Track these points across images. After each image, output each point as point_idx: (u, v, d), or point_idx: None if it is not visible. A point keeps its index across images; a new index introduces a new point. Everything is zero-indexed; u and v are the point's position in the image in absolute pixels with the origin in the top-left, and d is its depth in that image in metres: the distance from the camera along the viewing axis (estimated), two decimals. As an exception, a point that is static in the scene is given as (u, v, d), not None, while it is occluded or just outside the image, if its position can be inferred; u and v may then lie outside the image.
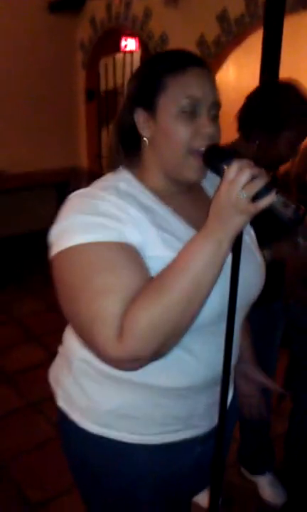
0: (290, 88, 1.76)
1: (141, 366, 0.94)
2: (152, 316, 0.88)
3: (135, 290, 0.91)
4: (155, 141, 1.06)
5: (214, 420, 1.23)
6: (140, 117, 1.06)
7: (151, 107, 1.04)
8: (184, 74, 1.01)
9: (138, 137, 1.09)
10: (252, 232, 1.27)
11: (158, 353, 0.93)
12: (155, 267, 0.97)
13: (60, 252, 0.97)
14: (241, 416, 2.24)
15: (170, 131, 1.02)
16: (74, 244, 0.96)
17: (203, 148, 1.01)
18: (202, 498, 1.86)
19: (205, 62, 1.08)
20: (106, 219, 0.97)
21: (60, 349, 1.29)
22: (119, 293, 0.91)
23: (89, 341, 0.95)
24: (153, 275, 0.97)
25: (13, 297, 4.45)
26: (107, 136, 5.63)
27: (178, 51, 1.09)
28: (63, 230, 0.99)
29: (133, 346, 0.89)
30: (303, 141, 1.83)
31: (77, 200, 1.03)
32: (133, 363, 0.93)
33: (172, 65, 1.03)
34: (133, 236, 0.98)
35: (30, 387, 3.08)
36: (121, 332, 0.89)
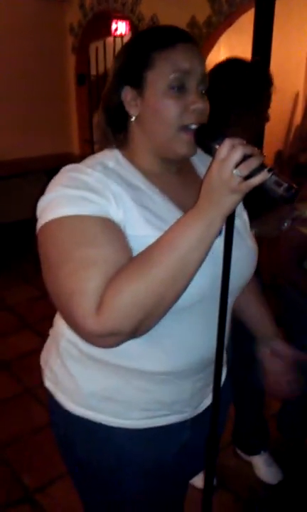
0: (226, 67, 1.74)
1: (118, 343, 0.93)
2: (135, 290, 0.87)
3: (116, 265, 0.90)
4: (144, 119, 1.05)
5: (202, 406, 1.23)
6: (127, 95, 1.05)
7: (138, 85, 1.03)
8: (172, 49, 1.00)
9: (126, 116, 1.07)
10: (245, 217, 1.25)
11: (137, 330, 0.91)
12: (135, 245, 0.97)
13: (44, 225, 0.97)
14: (236, 396, 2.26)
15: (159, 107, 1.01)
16: (57, 216, 0.95)
17: (194, 125, 1.00)
18: (197, 479, 1.87)
19: (193, 37, 1.06)
20: (90, 193, 0.97)
21: (51, 331, 1.29)
22: (99, 266, 0.90)
23: (68, 314, 0.93)
24: (134, 254, 0.96)
25: (5, 285, 4.44)
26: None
27: (165, 27, 1.07)
28: (48, 203, 0.99)
29: (111, 320, 0.87)
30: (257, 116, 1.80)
31: (64, 174, 1.03)
32: (111, 338, 0.91)
33: (159, 41, 1.02)
34: (115, 213, 0.98)
35: (25, 373, 3.08)
36: (100, 305, 0.87)
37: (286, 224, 1.54)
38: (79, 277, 0.90)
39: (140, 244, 0.95)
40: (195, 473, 1.49)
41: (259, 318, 1.38)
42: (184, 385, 1.14)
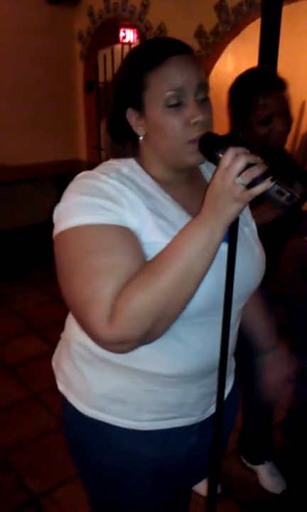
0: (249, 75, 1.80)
1: (130, 349, 0.95)
2: (143, 298, 0.89)
3: (130, 273, 0.92)
4: (151, 137, 1.06)
5: (209, 411, 1.24)
6: (131, 117, 1.07)
7: (139, 106, 1.05)
8: (163, 67, 1.00)
9: (133, 134, 1.09)
10: (253, 225, 1.26)
11: (147, 336, 0.94)
12: (149, 252, 0.98)
13: (60, 233, 0.99)
14: (245, 406, 2.25)
15: (162, 126, 1.02)
16: (73, 225, 0.97)
17: (197, 137, 1.01)
18: (201, 487, 1.88)
19: (185, 46, 1.06)
20: (106, 201, 0.98)
21: (62, 334, 1.31)
22: (113, 274, 0.92)
23: (82, 321, 0.95)
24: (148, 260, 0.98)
25: (13, 290, 4.47)
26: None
27: (155, 42, 1.08)
28: (64, 211, 1.00)
29: (123, 327, 0.90)
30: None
31: (79, 181, 1.04)
32: (122, 344, 0.93)
33: (149, 60, 1.02)
34: (130, 220, 0.99)
35: (31, 378, 3.10)
36: (112, 313, 0.90)
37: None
38: (94, 285, 0.92)
39: (154, 251, 0.96)
40: (200, 479, 1.51)
41: (260, 330, 1.40)
42: (189, 389, 1.16)
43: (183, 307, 0.94)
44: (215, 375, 1.14)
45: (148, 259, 0.98)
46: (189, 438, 1.24)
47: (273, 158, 1.85)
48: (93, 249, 0.95)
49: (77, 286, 0.95)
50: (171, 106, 1.00)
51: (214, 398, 1.20)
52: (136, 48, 1.10)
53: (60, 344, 1.32)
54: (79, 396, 1.21)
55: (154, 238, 1.00)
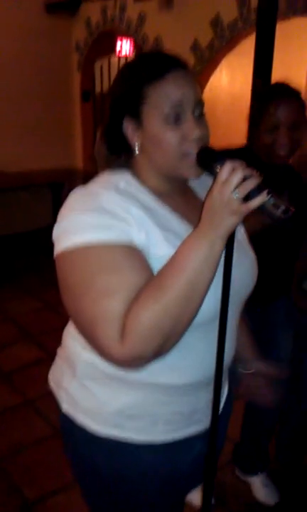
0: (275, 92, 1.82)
1: (143, 365, 0.96)
2: (152, 315, 0.89)
3: (138, 290, 0.92)
4: (147, 148, 1.06)
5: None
6: (128, 128, 1.07)
7: (136, 117, 1.05)
8: (162, 81, 1.01)
9: (128, 145, 1.09)
10: (243, 230, 1.28)
11: (160, 351, 0.94)
12: (158, 266, 0.97)
13: (63, 252, 0.98)
14: (246, 418, 2.27)
15: (159, 138, 1.02)
16: (76, 244, 0.96)
17: (194, 152, 1.02)
18: (195, 498, 1.88)
19: (183, 62, 1.06)
20: (110, 219, 0.97)
21: (60, 351, 1.29)
22: (121, 293, 0.92)
23: (92, 342, 0.95)
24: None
25: (8, 296, 4.46)
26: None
27: (154, 56, 1.08)
28: (65, 229, 0.99)
29: (135, 346, 0.90)
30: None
31: (79, 198, 1.03)
32: (136, 362, 0.94)
33: (149, 73, 1.02)
34: (136, 236, 0.99)
35: (26, 385, 3.10)
36: (123, 332, 0.90)
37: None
38: (102, 305, 0.92)
39: (162, 264, 0.96)
40: (196, 484, 1.51)
41: (241, 342, 1.40)
42: (200, 395, 1.16)
43: (192, 319, 0.95)
44: (224, 378, 1.15)
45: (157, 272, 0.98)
46: (196, 445, 1.22)
47: (278, 171, 1.87)
48: (99, 269, 0.94)
49: (85, 306, 0.94)
50: (169, 120, 1.01)
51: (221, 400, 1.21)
52: (134, 60, 1.10)
53: (59, 362, 1.29)
54: (90, 415, 1.17)
55: (163, 251, 1.00)
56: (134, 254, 0.98)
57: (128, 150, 1.10)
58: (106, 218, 0.97)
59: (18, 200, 5.43)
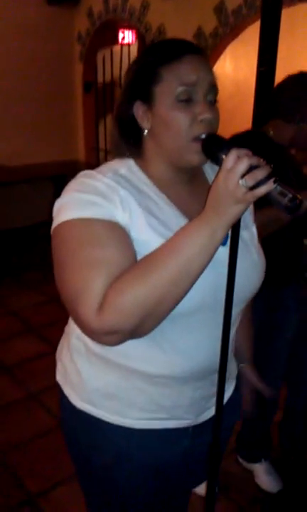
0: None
1: (118, 341, 0.96)
2: (136, 292, 0.90)
3: (120, 266, 0.94)
4: (156, 131, 1.07)
5: (205, 415, 1.24)
6: (139, 110, 1.08)
7: (148, 99, 1.06)
8: (178, 63, 1.03)
9: (138, 129, 1.10)
10: (254, 229, 1.26)
11: (136, 330, 0.95)
12: (139, 249, 1.00)
13: (56, 227, 1.02)
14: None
15: (169, 120, 1.03)
16: (67, 219, 1.00)
17: (204, 135, 1.02)
18: (199, 486, 1.88)
19: (201, 49, 1.08)
20: (98, 197, 1.01)
21: (65, 328, 1.33)
22: (104, 267, 0.94)
23: (73, 311, 0.97)
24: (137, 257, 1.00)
25: (10, 290, 4.47)
26: (105, 129, 5.62)
27: (172, 40, 1.10)
28: (61, 206, 1.03)
29: (112, 319, 0.91)
30: None
31: (77, 180, 1.07)
32: (112, 336, 0.94)
33: (166, 55, 1.04)
34: (120, 216, 1.01)
35: (29, 378, 3.09)
36: (102, 304, 0.91)
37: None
38: (84, 276, 0.94)
39: (142, 248, 0.99)
40: (198, 483, 1.51)
41: (241, 340, 1.41)
42: (183, 391, 1.16)
43: (175, 303, 0.95)
44: (213, 379, 1.14)
45: (138, 256, 1.00)
46: (182, 441, 1.23)
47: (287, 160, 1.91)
48: (84, 242, 0.97)
49: (68, 277, 0.97)
50: (181, 101, 1.02)
51: (211, 402, 1.20)
52: (153, 43, 1.12)
53: (63, 337, 1.34)
54: (73, 388, 1.24)
55: (144, 236, 1.02)
56: (118, 232, 1.00)
57: (139, 135, 1.11)
58: (94, 197, 1.01)
59: (19, 193, 5.42)
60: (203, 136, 1.02)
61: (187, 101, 1.02)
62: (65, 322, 1.30)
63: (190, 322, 1.07)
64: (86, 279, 0.94)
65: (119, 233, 1.00)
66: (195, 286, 0.95)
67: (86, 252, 0.96)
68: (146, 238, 1.01)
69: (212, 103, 1.05)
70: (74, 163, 5.88)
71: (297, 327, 2.12)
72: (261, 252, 1.22)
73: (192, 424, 1.23)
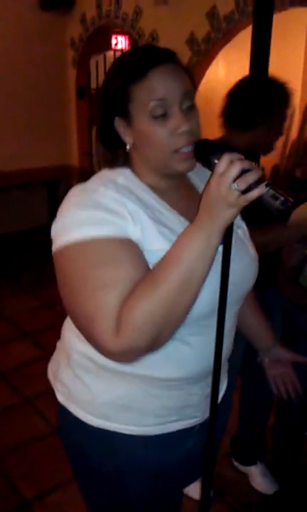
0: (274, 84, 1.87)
1: (137, 358, 0.96)
2: (146, 307, 0.90)
3: (134, 283, 0.93)
4: (138, 146, 1.07)
5: (208, 412, 1.24)
6: (119, 126, 1.08)
7: (126, 116, 1.06)
8: (145, 79, 1.01)
9: (122, 143, 1.10)
10: (244, 226, 1.28)
11: (154, 344, 0.94)
12: (153, 260, 0.99)
13: (60, 248, 0.99)
14: (242, 405, 2.31)
15: (148, 135, 1.03)
16: (74, 239, 0.97)
17: (185, 148, 1.02)
18: (193, 490, 1.88)
19: (168, 54, 1.06)
20: (106, 214, 0.98)
21: (59, 343, 1.30)
22: (117, 287, 0.93)
23: (88, 334, 0.96)
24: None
25: (5, 295, 4.45)
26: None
27: (136, 53, 1.08)
28: (64, 225, 1.00)
29: (129, 338, 0.90)
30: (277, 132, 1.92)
31: (77, 194, 1.04)
32: (131, 354, 0.94)
33: (133, 73, 1.02)
34: (132, 231, 1.00)
35: (24, 383, 3.08)
36: (118, 324, 0.90)
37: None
38: (99, 298, 0.93)
39: (158, 258, 0.97)
40: (193, 480, 1.51)
41: (256, 329, 1.43)
42: (193, 390, 1.16)
43: (186, 313, 0.95)
44: (222, 371, 1.15)
45: (153, 266, 0.99)
46: (188, 440, 1.24)
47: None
48: (97, 263, 0.95)
49: (81, 299, 0.95)
50: (157, 117, 1.01)
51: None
52: (118, 59, 1.10)
53: (57, 354, 1.31)
54: (83, 406, 1.20)
55: (157, 246, 1.00)
56: (130, 248, 0.98)
57: (124, 147, 1.11)
58: (102, 213, 0.98)
59: (13, 198, 5.41)
60: (185, 149, 1.03)
61: (163, 115, 1.01)
62: (59, 327, 1.28)
63: (203, 324, 1.07)
64: (101, 301, 0.93)
65: (132, 249, 0.98)
66: (204, 290, 0.95)
67: (99, 273, 0.94)
68: (160, 248, 0.99)
69: (190, 109, 1.05)
70: (67, 168, 5.88)
71: (283, 330, 2.13)
72: (254, 247, 1.24)
73: (199, 422, 1.23)
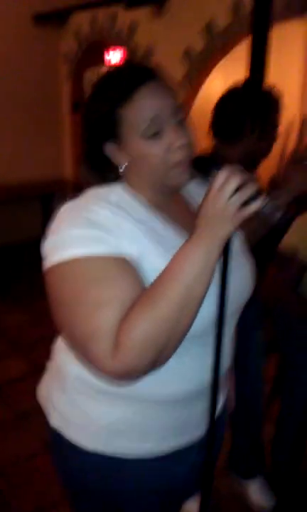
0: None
1: (137, 379, 0.94)
2: (144, 326, 0.87)
3: (130, 303, 0.91)
4: (134, 166, 1.05)
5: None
6: (111, 151, 1.06)
7: (117, 140, 1.04)
8: (133, 101, 1.00)
9: (113, 164, 1.08)
10: (240, 236, 1.26)
11: (154, 364, 0.92)
12: (150, 279, 0.96)
13: (54, 266, 0.96)
14: (234, 420, 2.27)
15: (144, 155, 1.02)
16: (65, 258, 0.94)
17: (182, 161, 1.02)
18: (191, 506, 1.83)
19: (150, 72, 1.04)
20: (99, 232, 0.96)
21: (49, 365, 1.26)
22: (114, 306, 0.90)
23: (85, 356, 0.93)
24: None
25: (-4, 308, 4.39)
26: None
27: (119, 75, 1.05)
28: (56, 244, 0.97)
29: (128, 359, 0.88)
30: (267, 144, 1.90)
31: (69, 212, 1.02)
32: (130, 375, 0.91)
33: (119, 96, 1.01)
34: (127, 250, 0.97)
35: (16, 399, 3.03)
36: (116, 346, 0.88)
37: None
38: (94, 319, 0.90)
39: (154, 277, 0.94)
40: (191, 495, 1.47)
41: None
42: (194, 408, 1.14)
43: (186, 331, 0.92)
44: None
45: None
46: (191, 455, 1.21)
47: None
48: (91, 282, 0.93)
49: (77, 320, 0.92)
50: (150, 137, 1.00)
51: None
52: (98, 83, 1.07)
53: (48, 376, 1.27)
54: (79, 430, 1.16)
55: (157, 264, 0.97)
56: (125, 266, 0.96)
57: (115, 168, 1.09)
58: (95, 232, 0.96)
59: (7, 212, 5.38)
60: (182, 163, 1.02)
61: (155, 134, 1.00)
62: (51, 341, 1.24)
63: (205, 341, 1.05)
64: (97, 321, 0.90)
65: (126, 268, 0.96)
66: (203, 306, 0.93)
67: (93, 293, 0.92)
68: (160, 266, 0.96)
69: (181, 122, 1.03)
70: (61, 182, 5.88)
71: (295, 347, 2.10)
72: (251, 258, 1.23)
73: (199, 439, 1.20)
